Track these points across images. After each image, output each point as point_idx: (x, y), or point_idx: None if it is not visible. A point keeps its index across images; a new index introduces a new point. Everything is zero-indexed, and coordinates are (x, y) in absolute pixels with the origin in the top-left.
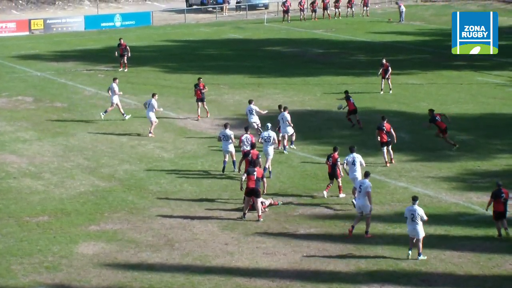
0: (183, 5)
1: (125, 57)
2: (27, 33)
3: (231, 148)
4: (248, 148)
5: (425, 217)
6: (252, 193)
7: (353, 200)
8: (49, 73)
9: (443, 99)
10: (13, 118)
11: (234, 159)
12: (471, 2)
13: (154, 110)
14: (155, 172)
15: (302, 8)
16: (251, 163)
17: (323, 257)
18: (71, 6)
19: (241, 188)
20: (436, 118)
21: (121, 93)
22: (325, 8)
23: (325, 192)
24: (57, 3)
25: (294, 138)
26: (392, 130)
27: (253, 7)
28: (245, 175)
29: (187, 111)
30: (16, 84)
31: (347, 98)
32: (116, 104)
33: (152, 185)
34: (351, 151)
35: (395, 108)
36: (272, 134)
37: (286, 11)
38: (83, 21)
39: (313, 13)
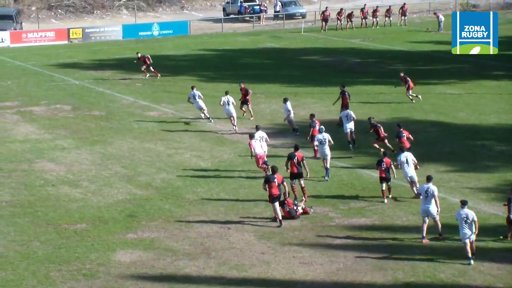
0: (221, 15)
1: (147, 67)
2: (66, 42)
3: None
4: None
5: (476, 219)
6: (278, 199)
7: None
8: (87, 81)
9: (481, 109)
10: (52, 126)
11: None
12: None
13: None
14: (192, 181)
15: (339, 17)
16: (297, 164)
17: (360, 268)
18: (109, 15)
19: (288, 195)
20: (376, 124)
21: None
22: (364, 17)
23: (385, 200)
24: (95, 12)
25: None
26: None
27: (290, 16)
28: (267, 183)
29: (223, 120)
30: (54, 92)
31: (342, 93)
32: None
33: (189, 194)
34: (402, 151)
35: (432, 118)
36: (327, 135)
37: (324, 20)
38: (121, 30)
39: (350, 23)
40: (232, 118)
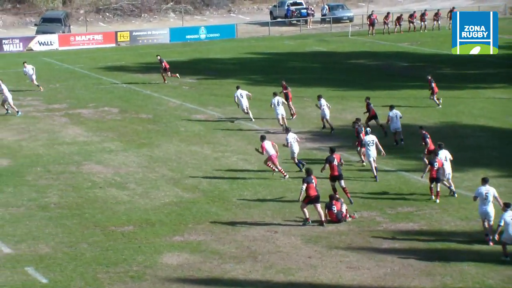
0: (267, 18)
1: (164, 72)
2: (114, 45)
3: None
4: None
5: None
6: (316, 199)
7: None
8: (134, 84)
9: None
10: (99, 128)
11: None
12: None
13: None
14: (238, 184)
15: (386, 21)
16: (338, 166)
17: (407, 273)
18: (157, 19)
19: (299, 199)
20: (361, 129)
21: (251, 94)
22: (411, 21)
23: (437, 200)
24: (143, 15)
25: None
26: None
27: (337, 20)
28: (305, 184)
29: (270, 124)
30: (102, 95)
31: (368, 105)
32: (246, 108)
33: (235, 197)
34: (440, 148)
35: (482, 123)
36: (374, 137)
37: (371, 24)
38: (168, 34)
39: (398, 26)
40: (281, 118)
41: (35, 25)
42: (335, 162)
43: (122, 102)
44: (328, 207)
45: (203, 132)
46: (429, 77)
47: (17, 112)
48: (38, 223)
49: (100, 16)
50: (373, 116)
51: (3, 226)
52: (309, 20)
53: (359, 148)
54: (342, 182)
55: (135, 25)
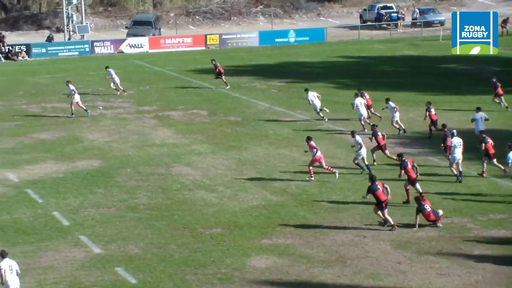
0: (357, 22)
1: (218, 74)
2: (203, 47)
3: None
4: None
5: None
6: (386, 204)
7: None
8: (223, 87)
9: None
10: (189, 131)
11: (367, 163)
12: None
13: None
14: (327, 188)
15: None
16: (413, 169)
17: (500, 280)
18: (246, 22)
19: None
20: (378, 133)
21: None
22: (503, 26)
23: None
24: (232, 18)
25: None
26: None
27: (428, 24)
28: (368, 195)
29: (358, 127)
30: (191, 97)
31: (428, 109)
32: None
33: (324, 201)
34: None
35: None
36: (460, 139)
37: None
38: (258, 37)
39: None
40: (363, 120)
41: (126, 28)
42: (410, 166)
43: (211, 104)
44: (420, 209)
45: (292, 136)
46: (494, 80)
47: (86, 111)
48: (128, 224)
49: (190, 19)
50: (433, 121)
51: (94, 226)
52: (399, 24)
53: (447, 153)
54: (418, 185)
55: (225, 28)
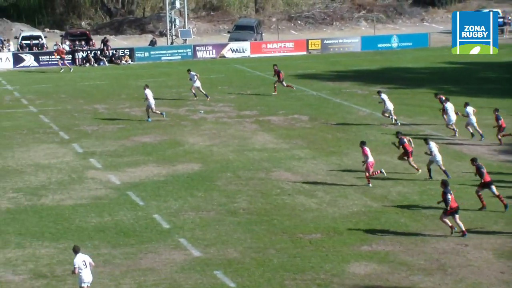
0: None
1: (279, 81)
2: (305, 53)
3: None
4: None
5: None
6: (457, 211)
7: None
8: (324, 92)
9: None
10: (289, 136)
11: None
12: None
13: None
14: (428, 195)
15: None
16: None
17: None
18: (348, 27)
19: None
20: (404, 141)
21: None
22: None
23: None
24: (334, 23)
25: None
26: None
27: None
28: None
29: (461, 134)
30: (292, 102)
31: (497, 116)
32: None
33: (425, 208)
34: None
35: None
36: None
37: None
38: (360, 42)
39: None
40: (451, 125)
41: (228, 32)
42: (485, 170)
43: (312, 110)
44: None
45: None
46: None
47: (161, 113)
48: (227, 228)
49: (292, 24)
50: (500, 128)
51: (194, 229)
52: (505, 29)
53: None
54: (494, 188)
55: (326, 33)
